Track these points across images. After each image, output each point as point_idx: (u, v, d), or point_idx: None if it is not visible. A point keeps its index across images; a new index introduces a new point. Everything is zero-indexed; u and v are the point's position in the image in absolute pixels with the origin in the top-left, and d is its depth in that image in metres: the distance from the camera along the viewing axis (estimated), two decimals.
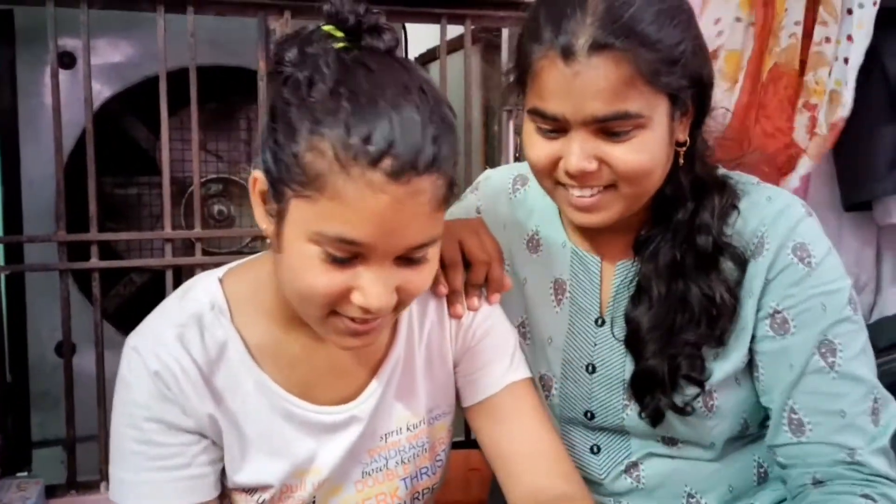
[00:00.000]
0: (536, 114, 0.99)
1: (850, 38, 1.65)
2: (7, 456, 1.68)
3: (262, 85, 1.74)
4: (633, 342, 1.09)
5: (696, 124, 1.05)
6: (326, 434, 0.96)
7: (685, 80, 0.97)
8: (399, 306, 0.85)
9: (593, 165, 0.97)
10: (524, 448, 1.01)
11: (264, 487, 0.94)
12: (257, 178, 0.84)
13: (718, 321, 1.04)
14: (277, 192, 0.80)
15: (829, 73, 1.66)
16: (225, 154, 2.36)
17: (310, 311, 0.85)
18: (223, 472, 0.95)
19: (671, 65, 0.94)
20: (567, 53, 0.93)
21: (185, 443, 0.90)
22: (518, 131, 1.93)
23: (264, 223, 0.85)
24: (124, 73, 2.20)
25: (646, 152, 0.97)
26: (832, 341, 1.01)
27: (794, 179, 1.73)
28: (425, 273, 0.85)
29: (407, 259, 0.82)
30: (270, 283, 0.91)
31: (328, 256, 0.78)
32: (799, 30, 1.66)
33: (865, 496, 0.98)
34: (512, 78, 1.05)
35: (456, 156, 0.82)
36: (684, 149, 1.04)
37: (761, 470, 1.13)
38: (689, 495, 1.12)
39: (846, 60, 1.66)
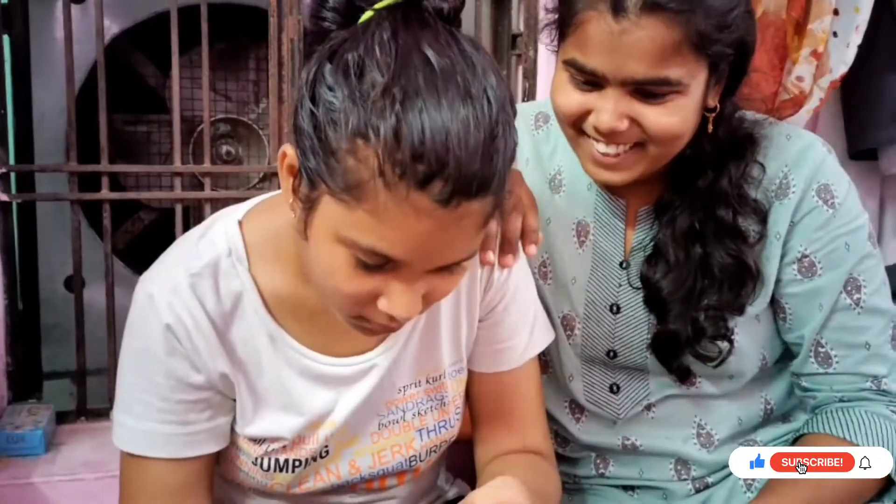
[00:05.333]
0: (573, 65, 0.95)
1: None
2: (18, 382, 1.71)
3: (272, 22, 1.73)
4: (653, 303, 1.10)
5: (729, 90, 1.02)
6: (343, 386, 0.95)
7: (730, 47, 0.94)
8: (423, 311, 0.80)
9: (624, 125, 0.95)
10: (518, 412, 1.05)
11: (275, 439, 0.93)
12: (287, 153, 0.77)
13: (743, 287, 1.05)
14: (310, 180, 0.73)
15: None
16: (233, 94, 2.35)
17: (335, 308, 0.83)
18: (234, 420, 0.94)
19: (721, 32, 0.91)
20: (617, 7, 0.89)
21: (193, 399, 0.89)
22: (527, 75, 1.93)
23: (290, 198, 0.79)
24: (133, 9, 2.18)
25: (678, 116, 0.95)
26: (857, 278, 1.04)
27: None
28: (457, 280, 0.80)
29: (441, 268, 0.76)
30: (291, 233, 0.84)
31: (357, 261, 0.73)
32: None
33: (893, 412, 1.04)
34: (549, 20, 1.01)
35: (511, 164, 0.74)
36: (713, 115, 1.02)
37: (768, 407, 1.16)
38: (699, 426, 1.15)
39: (836, 11, 1.66)
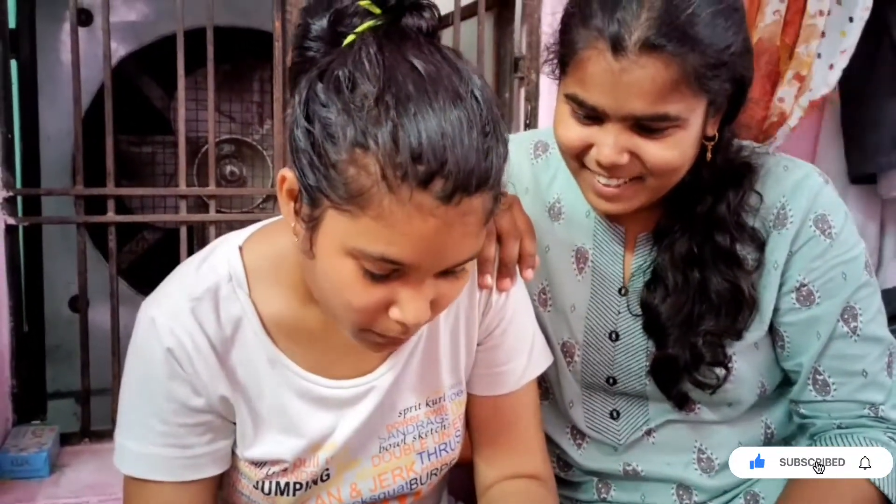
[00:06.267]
0: (574, 100, 0.96)
1: (829, 12, 1.66)
2: (22, 404, 1.72)
3: (277, 46, 1.75)
4: (652, 329, 1.11)
5: (728, 119, 1.03)
6: (344, 408, 0.95)
7: (728, 82, 0.96)
8: (430, 318, 0.81)
9: (625, 159, 0.96)
10: (516, 436, 1.05)
11: (275, 461, 0.93)
12: (286, 177, 0.78)
13: (740, 312, 1.05)
14: (312, 198, 0.74)
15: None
16: (237, 115, 2.38)
17: (344, 323, 0.82)
18: (234, 443, 0.94)
19: (718, 69, 0.92)
20: (617, 47, 0.89)
21: (193, 423, 0.89)
22: (529, 98, 1.95)
23: (292, 222, 0.80)
24: (139, 33, 2.22)
25: (677, 150, 0.96)
26: (854, 307, 1.05)
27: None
28: (461, 284, 0.81)
29: (446, 272, 0.77)
30: (292, 256, 0.87)
31: (366, 272, 0.74)
32: (783, 7, 1.65)
33: (890, 438, 1.04)
34: (551, 53, 1.02)
35: (505, 163, 0.76)
36: (712, 143, 1.02)
37: (769, 431, 1.16)
38: (700, 450, 1.15)
39: (822, 34, 1.66)
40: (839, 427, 1.07)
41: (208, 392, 0.88)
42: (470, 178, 0.70)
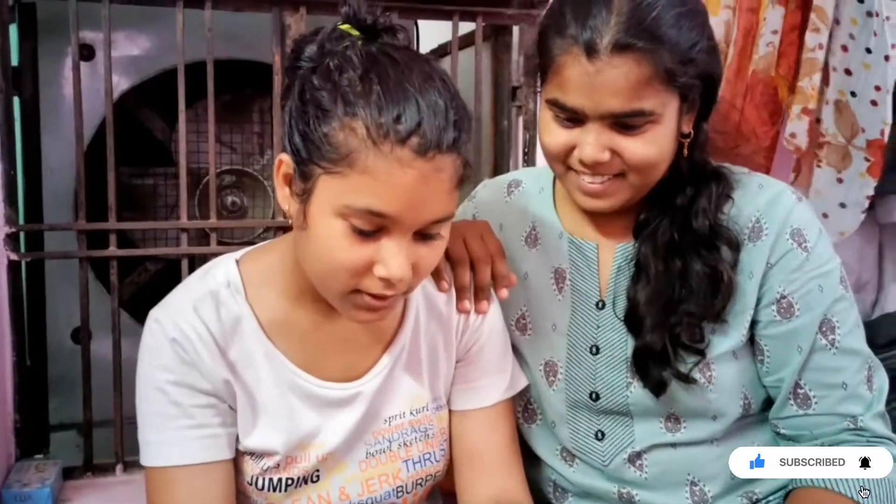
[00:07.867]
0: (555, 104, 1.03)
1: (844, 48, 1.66)
2: (25, 438, 1.72)
3: (276, 79, 1.77)
4: (632, 320, 1.13)
5: (702, 117, 1.10)
6: (331, 409, 1.02)
7: (697, 79, 1.02)
8: (412, 284, 0.91)
9: (606, 156, 1.02)
10: (493, 455, 1.11)
11: (270, 454, 0.99)
12: (283, 161, 0.90)
13: (718, 296, 1.08)
14: (305, 172, 0.86)
15: (828, 81, 1.66)
16: (238, 146, 2.39)
17: (333, 286, 0.90)
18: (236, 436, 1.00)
19: (686, 65, 1.00)
20: (590, 50, 0.97)
21: (203, 404, 0.96)
22: (527, 126, 1.97)
23: (286, 204, 0.91)
24: (140, 66, 2.24)
25: (655, 145, 1.03)
26: (831, 320, 1.08)
27: (821, 186, 1.71)
28: (437, 250, 0.91)
29: (424, 235, 0.88)
30: (284, 264, 0.99)
31: (353, 230, 0.84)
32: (776, 39, 1.66)
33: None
34: (531, 64, 1.09)
35: (470, 141, 0.89)
36: (688, 140, 1.09)
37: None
38: (692, 483, 1.15)
39: (847, 71, 1.66)
40: (821, 447, 1.09)
41: (212, 377, 0.96)
42: (441, 137, 0.83)
